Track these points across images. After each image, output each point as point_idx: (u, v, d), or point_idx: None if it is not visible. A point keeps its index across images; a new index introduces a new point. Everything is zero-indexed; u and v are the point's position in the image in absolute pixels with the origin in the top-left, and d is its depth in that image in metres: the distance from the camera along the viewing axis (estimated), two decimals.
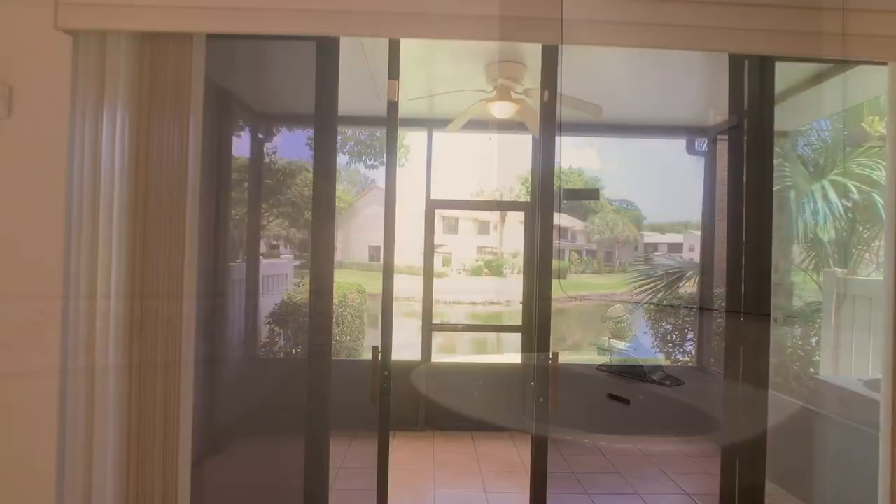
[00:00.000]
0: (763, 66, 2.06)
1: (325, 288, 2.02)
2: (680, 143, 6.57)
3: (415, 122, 4.03)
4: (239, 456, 2.97)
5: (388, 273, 2.00)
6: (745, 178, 2.09)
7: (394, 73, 2.00)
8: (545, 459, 2.07)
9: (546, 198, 1.96)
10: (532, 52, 2.90)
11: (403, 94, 3.40)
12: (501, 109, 3.09)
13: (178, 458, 1.83)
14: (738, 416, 2.15)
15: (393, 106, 2.01)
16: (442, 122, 3.79)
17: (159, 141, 1.83)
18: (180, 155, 1.84)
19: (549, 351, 2.03)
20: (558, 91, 1.97)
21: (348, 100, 3.88)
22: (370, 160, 10.30)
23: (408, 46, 2.95)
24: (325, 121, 2.03)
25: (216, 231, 3.27)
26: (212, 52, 1.88)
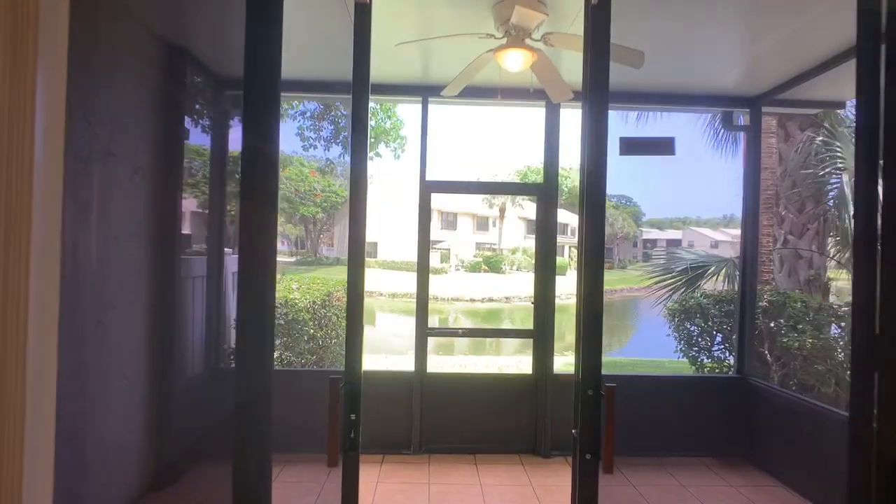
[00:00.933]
0: None
1: (260, 288, 1.27)
2: (704, 120, 5.81)
3: (407, 90, 3.19)
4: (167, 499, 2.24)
5: (355, 267, 1.25)
6: (882, 144, 1.34)
7: None
8: None
9: (599, 146, 1.21)
10: None
11: (391, 39, 2.65)
12: (514, 60, 2.33)
13: None
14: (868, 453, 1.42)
15: (362, 10, 1.25)
16: (438, 89, 3.02)
17: None
18: (21, 114, 1.08)
19: (599, 381, 1.29)
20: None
21: (326, 63, 3.16)
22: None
23: None
24: (261, 49, 1.27)
25: (163, 219, 2.52)
26: None
